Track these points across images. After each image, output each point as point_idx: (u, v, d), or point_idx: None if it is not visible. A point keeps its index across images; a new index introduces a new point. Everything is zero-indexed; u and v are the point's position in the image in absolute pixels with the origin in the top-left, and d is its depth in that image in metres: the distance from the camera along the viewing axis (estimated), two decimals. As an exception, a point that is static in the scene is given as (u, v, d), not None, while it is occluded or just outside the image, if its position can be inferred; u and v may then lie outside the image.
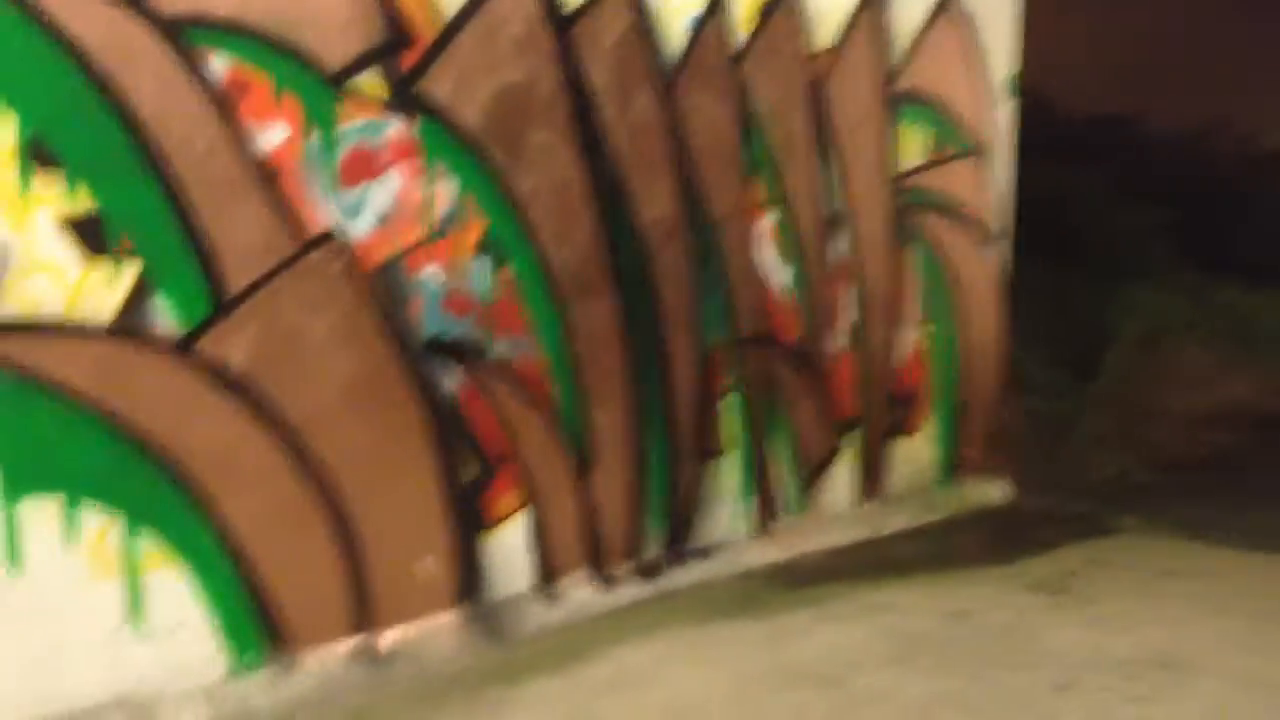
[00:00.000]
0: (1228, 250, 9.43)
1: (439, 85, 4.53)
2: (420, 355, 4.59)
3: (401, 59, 4.42)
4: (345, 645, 4.44)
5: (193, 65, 3.93)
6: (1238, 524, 6.55)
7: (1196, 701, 4.42)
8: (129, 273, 3.85)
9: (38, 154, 3.65)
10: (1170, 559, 6.09)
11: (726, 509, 5.73)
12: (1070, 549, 6.22)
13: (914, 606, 5.35)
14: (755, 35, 5.51)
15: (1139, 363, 8.24)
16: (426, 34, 4.47)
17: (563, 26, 4.85)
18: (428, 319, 4.60)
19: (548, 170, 4.87)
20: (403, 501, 4.57)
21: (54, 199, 3.69)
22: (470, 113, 4.62)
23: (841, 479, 6.27)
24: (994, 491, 7.03)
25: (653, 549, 5.44)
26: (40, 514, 3.74)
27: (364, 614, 4.49)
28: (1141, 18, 11.30)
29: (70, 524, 3.80)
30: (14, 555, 3.70)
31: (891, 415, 6.48)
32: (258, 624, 4.22)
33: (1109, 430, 7.78)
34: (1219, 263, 9.33)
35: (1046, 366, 7.87)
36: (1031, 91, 10.15)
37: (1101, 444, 7.66)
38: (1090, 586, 5.67)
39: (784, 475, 5.96)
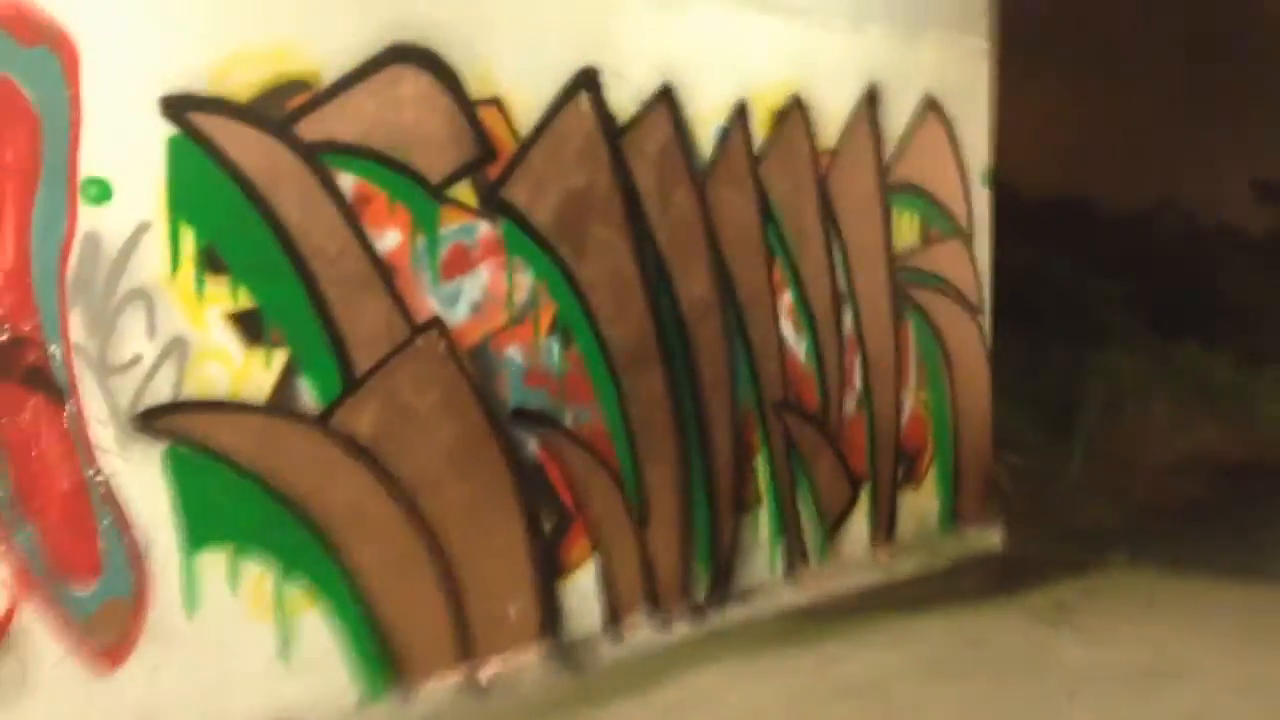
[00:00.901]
0: (1181, 316, 10.30)
1: (517, 191, 5.30)
2: (507, 423, 5.30)
3: (488, 171, 5.19)
4: (452, 676, 5.09)
5: (327, 182, 4.68)
6: (1210, 559, 7.31)
7: (1183, 700, 5.17)
8: (280, 358, 4.57)
9: (209, 261, 4.38)
10: (1152, 591, 6.82)
11: (761, 556, 6.43)
12: (1064, 585, 6.94)
13: (935, 635, 6.06)
14: (771, 139, 6.34)
15: (1109, 420, 9.05)
16: (507, 148, 5.25)
17: (615, 138, 5.65)
18: (512, 391, 5.32)
19: (605, 260, 5.64)
20: (496, 549, 5.26)
21: (222, 298, 4.42)
22: (542, 214, 5.39)
23: (858, 528, 6.98)
24: (990, 538, 7.76)
25: (700, 592, 6.13)
26: (211, 563, 4.41)
27: (466, 649, 5.15)
28: (1093, 106, 12.29)
29: (234, 572, 4.47)
30: (191, 599, 4.36)
31: (898, 471, 7.22)
32: (382, 658, 4.88)
33: (1087, 482, 8.55)
34: (1175, 328, 10.20)
35: (1027, 426, 8.65)
36: (997, 177, 11.07)
37: (1081, 494, 8.42)
38: (1085, 615, 6.39)
39: (809, 525, 6.68)
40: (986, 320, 7.78)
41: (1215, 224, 11.64)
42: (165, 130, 4.26)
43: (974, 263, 7.61)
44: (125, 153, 4.16)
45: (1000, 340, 8.02)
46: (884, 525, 7.16)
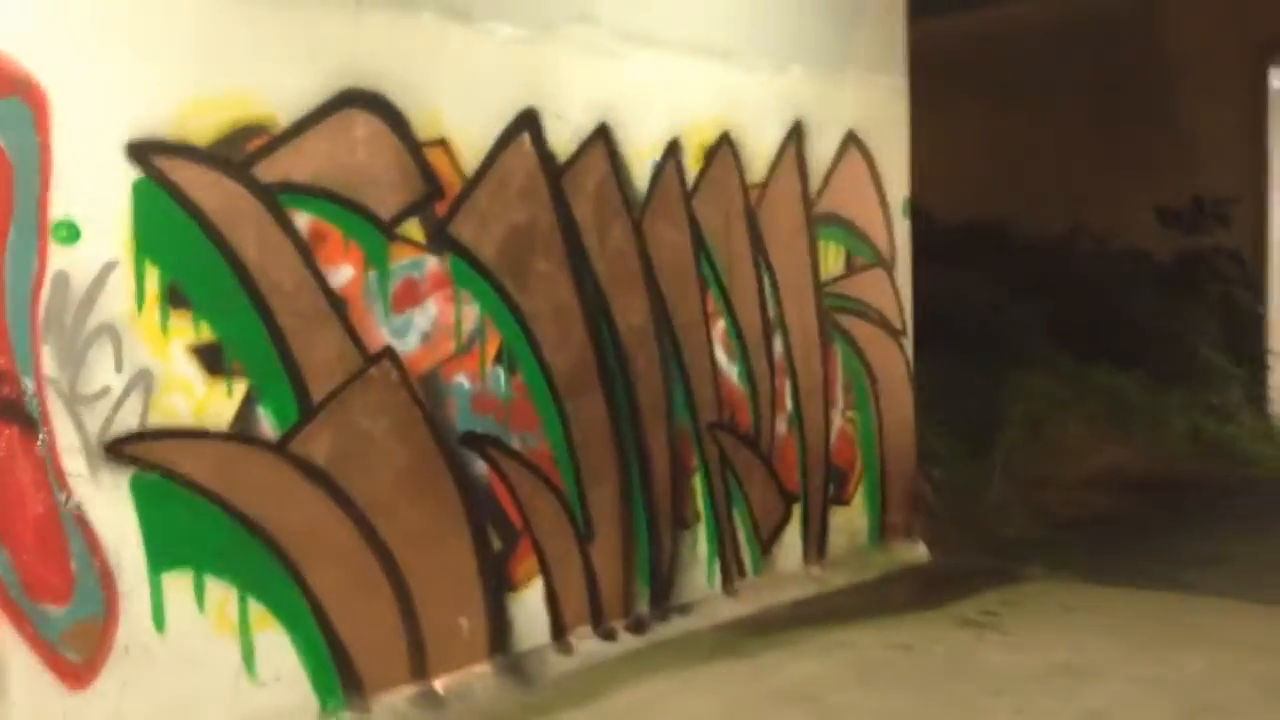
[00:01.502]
0: (1094, 338, 10.78)
1: (464, 228, 5.58)
2: (457, 447, 5.56)
3: (436, 208, 5.47)
4: (408, 689, 5.32)
5: (283, 221, 4.93)
6: (1123, 568, 7.72)
7: (1095, 697, 5.51)
8: (240, 388, 4.81)
9: (173, 297, 4.61)
10: (1070, 597, 7.20)
11: (700, 571, 6.73)
12: (987, 594, 7.29)
13: (867, 643, 6.37)
14: (703, 174, 6.67)
15: (1027, 438, 9.47)
16: (454, 187, 5.54)
17: (555, 175, 5.95)
18: (461, 417, 5.59)
19: (548, 292, 5.93)
20: (447, 567, 5.51)
21: (185, 332, 4.65)
22: (488, 248, 5.68)
23: (791, 544, 7.30)
24: (916, 552, 8.12)
25: (642, 605, 6.41)
26: (178, 584, 4.62)
27: (420, 662, 5.38)
28: (1007, 139, 12.83)
29: (200, 592, 4.68)
30: (159, 618, 4.57)
31: (829, 488, 7.56)
32: (339, 673, 5.10)
33: (1007, 497, 8.94)
34: (1088, 350, 10.67)
35: (949, 444, 9.03)
36: (917, 207, 11.50)
37: (1002, 509, 8.81)
38: (1007, 621, 6.74)
39: (744, 541, 6.99)
40: (909, 343, 8.15)
41: (1123, 249, 12.15)
42: (131, 174, 4.50)
43: (896, 289, 7.99)
44: (93, 196, 4.40)
45: (923, 362, 8.40)
46: (816, 540, 7.48)
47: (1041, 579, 7.61)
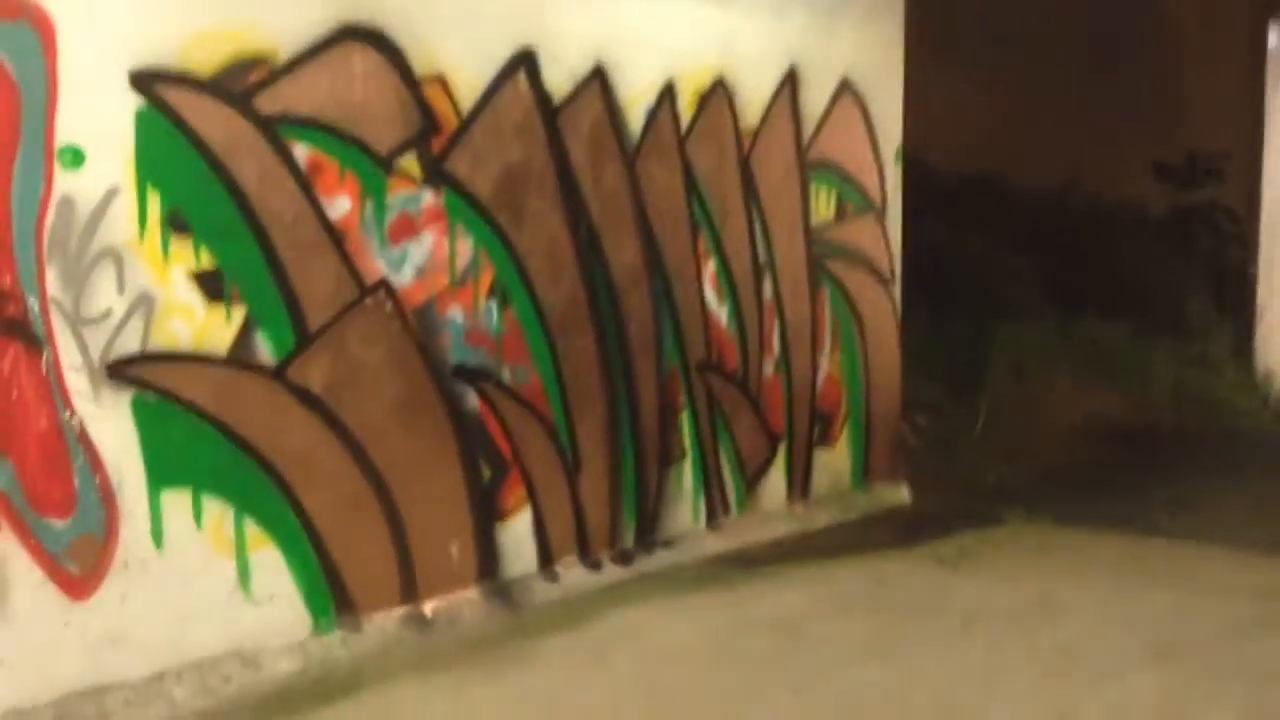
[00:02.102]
0: (1083, 290, 10.89)
1: (459, 164, 5.69)
2: (448, 379, 5.71)
3: (432, 144, 5.58)
4: (397, 612, 5.50)
5: (283, 152, 5.05)
6: (1099, 514, 7.89)
7: (1062, 632, 5.70)
8: (238, 315, 4.94)
9: (174, 224, 4.73)
10: (1045, 539, 7.39)
11: (685, 506, 6.89)
12: (965, 535, 7.46)
13: (845, 578, 6.56)
14: (695, 118, 6.77)
15: (1013, 387, 9.59)
16: (450, 124, 5.64)
17: (550, 116, 6.05)
18: (454, 350, 5.73)
19: (541, 229, 6.05)
20: (438, 495, 5.67)
21: (186, 258, 4.78)
22: (482, 185, 5.79)
23: (775, 483, 7.47)
24: (898, 494, 8.29)
25: (628, 539, 6.58)
26: (175, 503, 4.78)
27: (410, 586, 5.56)
28: (1005, 92, 12.86)
29: (197, 510, 4.85)
30: (158, 535, 4.73)
31: (814, 430, 7.72)
32: (331, 594, 5.28)
33: (990, 444, 9.06)
34: (1077, 302, 10.78)
35: (935, 391, 9.17)
36: (911, 156, 11.56)
37: (984, 455, 8.94)
38: (982, 560, 6.93)
39: (729, 479, 7.16)
40: (897, 291, 8.28)
41: (1117, 203, 12.23)
42: (134, 102, 4.61)
43: (886, 236, 8.10)
44: (97, 122, 4.51)
45: (911, 310, 8.53)
46: (800, 480, 7.65)
47: (1019, 522, 7.78)
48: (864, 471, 8.11)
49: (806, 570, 6.68)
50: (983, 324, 10.06)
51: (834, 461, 7.91)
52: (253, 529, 5.02)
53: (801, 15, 7.30)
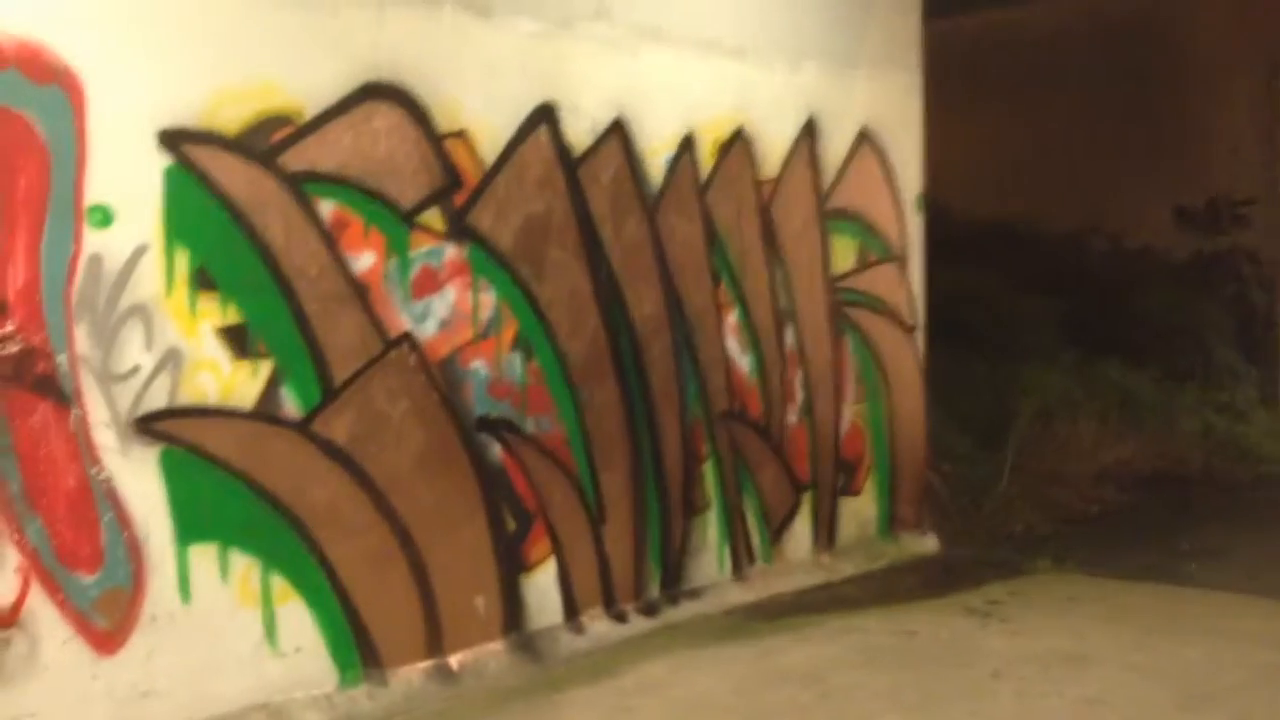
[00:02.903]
0: (1107, 335, 10.88)
1: (482, 217, 5.75)
2: (473, 430, 5.74)
3: (455, 198, 5.64)
4: (423, 665, 5.50)
5: (308, 209, 5.11)
6: (1128, 562, 7.84)
7: (1095, 684, 5.63)
8: (265, 369, 4.99)
9: (201, 280, 4.79)
10: (1074, 589, 7.33)
11: (710, 557, 6.88)
12: (993, 585, 7.41)
13: (872, 629, 6.52)
14: (716, 168, 6.83)
15: (1038, 433, 9.57)
16: (472, 178, 5.71)
17: (571, 168, 6.11)
18: (477, 402, 5.76)
19: (563, 281, 6.09)
20: (463, 548, 5.68)
21: (213, 314, 4.84)
22: (505, 238, 5.84)
23: (801, 532, 7.45)
24: (925, 543, 8.25)
25: (653, 590, 6.57)
26: (202, 556, 4.81)
27: (436, 638, 5.56)
28: (1026, 137, 12.92)
29: (224, 564, 4.87)
30: (185, 589, 4.75)
31: (838, 479, 7.70)
32: (357, 646, 5.28)
33: (1017, 491, 9.05)
34: (1101, 347, 10.77)
35: (961, 437, 9.16)
36: (933, 201, 11.60)
37: (1011, 503, 8.93)
38: (1011, 610, 6.88)
39: (754, 528, 7.14)
40: (921, 338, 8.29)
41: (1139, 248, 12.24)
42: (162, 161, 4.69)
43: (908, 284, 8.12)
44: (126, 181, 4.59)
45: (937, 357, 8.53)
46: (825, 529, 7.62)
47: (1047, 571, 7.74)
48: (890, 520, 8.09)
49: (833, 621, 6.65)
50: (1007, 369, 10.06)
51: (860, 510, 7.89)
52: (279, 582, 5.03)
53: (816, 67, 7.37)
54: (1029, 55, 12.83)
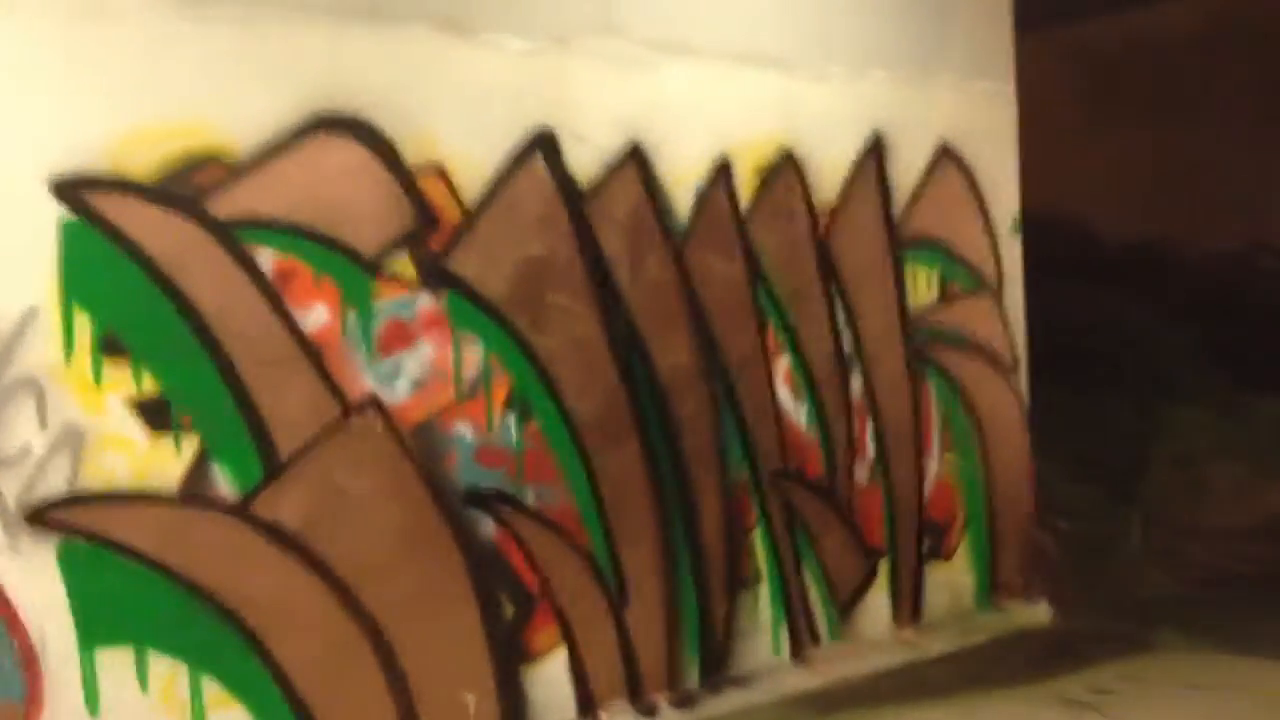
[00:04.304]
0: (1265, 366, 9.59)
1: (465, 262, 5.06)
2: (458, 505, 5.03)
3: (430, 241, 4.96)
4: (399, 776, 4.80)
5: (244, 260, 4.50)
6: (1271, 636, 6.65)
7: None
8: (190, 445, 4.37)
9: (108, 346, 4.21)
10: (1200, 672, 6.23)
11: (762, 638, 6.02)
12: (1106, 666, 6.37)
13: (942, 725, 5.59)
14: (758, 196, 6.00)
15: (1176, 480, 8.41)
16: (452, 218, 5.02)
17: (576, 203, 5.38)
18: (463, 472, 5.05)
19: (568, 330, 5.35)
20: (447, 639, 4.97)
21: (123, 384, 4.25)
22: (495, 284, 5.14)
23: (878, 606, 6.52)
24: (1035, 613, 7.21)
25: (690, 678, 5.75)
26: (115, 662, 4.20)
27: (413, 748, 4.85)
28: (1174, 142, 11.66)
29: (142, 671, 4.26)
30: (93, 701, 4.15)
31: (923, 543, 6.75)
32: (316, 759, 4.61)
33: (1148, 549, 7.93)
34: (1257, 379, 9.49)
35: (1081, 490, 8.08)
36: (1070, 219, 10.48)
37: (1141, 563, 7.82)
38: (1119, 703, 5.83)
39: (817, 603, 6.25)
40: (1023, 378, 7.27)
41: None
42: (57, 213, 4.12)
43: (1004, 317, 7.12)
44: (11, 237, 4.04)
45: (1057, 396, 7.52)
46: (909, 601, 6.68)
47: (1175, 648, 6.64)
48: (991, 588, 7.08)
49: (903, 713, 5.72)
50: (1143, 408, 8.92)
51: (952, 578, 6.91)
52: (212, 689, 4.40)
53: (884, 75, 6.48)
54: (1170, 61, 11.58)
